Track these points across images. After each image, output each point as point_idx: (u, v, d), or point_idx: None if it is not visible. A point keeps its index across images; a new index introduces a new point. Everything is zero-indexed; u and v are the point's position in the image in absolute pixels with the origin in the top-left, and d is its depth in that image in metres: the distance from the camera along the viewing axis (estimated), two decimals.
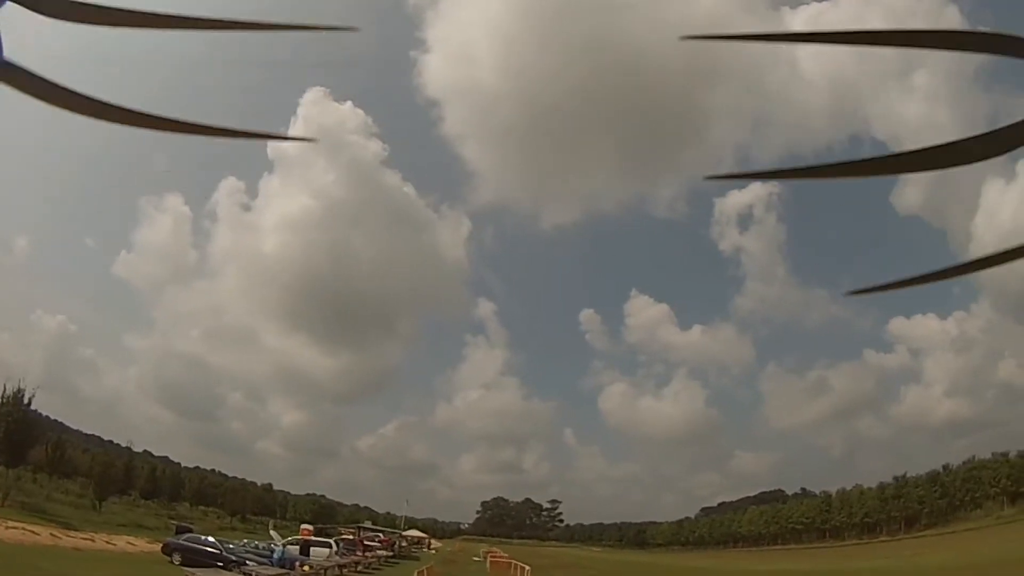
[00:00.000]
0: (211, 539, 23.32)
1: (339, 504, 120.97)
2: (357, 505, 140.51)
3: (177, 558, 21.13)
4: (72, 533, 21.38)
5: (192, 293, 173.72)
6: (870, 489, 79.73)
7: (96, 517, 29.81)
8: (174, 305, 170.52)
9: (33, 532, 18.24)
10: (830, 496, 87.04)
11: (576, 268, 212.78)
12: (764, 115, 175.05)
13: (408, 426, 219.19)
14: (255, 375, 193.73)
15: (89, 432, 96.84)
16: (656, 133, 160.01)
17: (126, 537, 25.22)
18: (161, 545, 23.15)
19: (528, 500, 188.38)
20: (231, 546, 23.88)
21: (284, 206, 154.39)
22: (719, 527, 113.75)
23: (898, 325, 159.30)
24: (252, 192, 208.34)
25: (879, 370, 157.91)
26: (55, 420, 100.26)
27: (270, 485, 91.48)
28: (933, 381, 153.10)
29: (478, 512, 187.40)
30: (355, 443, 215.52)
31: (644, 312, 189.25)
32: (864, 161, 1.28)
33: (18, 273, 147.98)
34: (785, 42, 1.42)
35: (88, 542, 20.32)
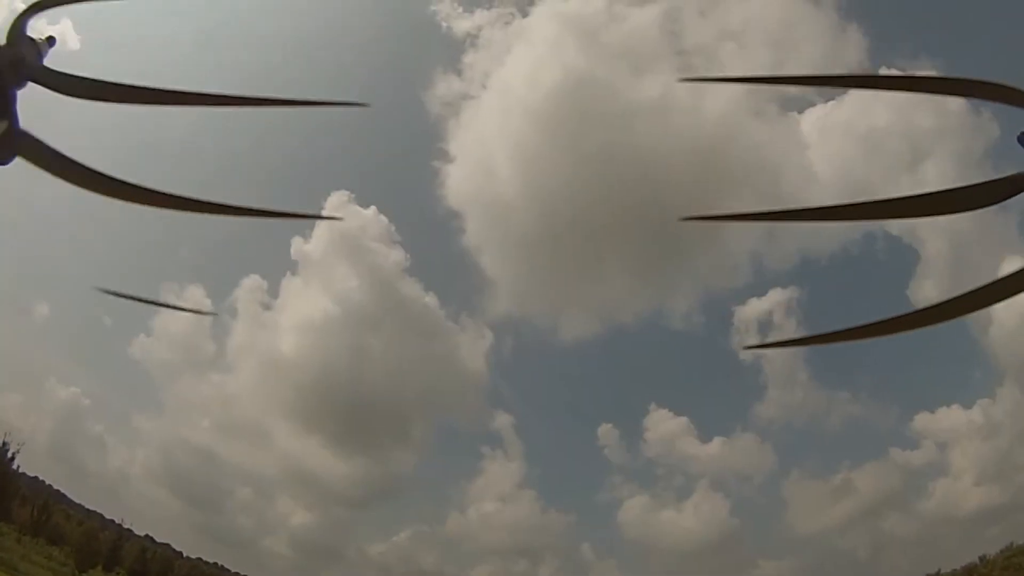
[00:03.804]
0: None
1: None
2: None
3: None
4: None
5: (206, 384, 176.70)
6: None
7: None
8: (187, 393, 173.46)
9: None
10: None
11: (594, 381, 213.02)
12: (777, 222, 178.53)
13: (419, 536, 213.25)
14: (265, 472, 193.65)
15: (91, 508, 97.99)
16: (671, 242, 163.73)
17: None
18: None
19: None
20: None
21: (304, 308, 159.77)
22: None
23: (923, 420, 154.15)
24: (273, 292, 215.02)
25: (905, 467, 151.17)
26: (56, 489, 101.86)
27: None
28: (961, 472, 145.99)
29: None
30: (364, 548, 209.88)
31: (663, 425, 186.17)
32: (854, 205, 1.30)
33: (36, 339, 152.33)
34: (782, 84, 1.59)
35: None
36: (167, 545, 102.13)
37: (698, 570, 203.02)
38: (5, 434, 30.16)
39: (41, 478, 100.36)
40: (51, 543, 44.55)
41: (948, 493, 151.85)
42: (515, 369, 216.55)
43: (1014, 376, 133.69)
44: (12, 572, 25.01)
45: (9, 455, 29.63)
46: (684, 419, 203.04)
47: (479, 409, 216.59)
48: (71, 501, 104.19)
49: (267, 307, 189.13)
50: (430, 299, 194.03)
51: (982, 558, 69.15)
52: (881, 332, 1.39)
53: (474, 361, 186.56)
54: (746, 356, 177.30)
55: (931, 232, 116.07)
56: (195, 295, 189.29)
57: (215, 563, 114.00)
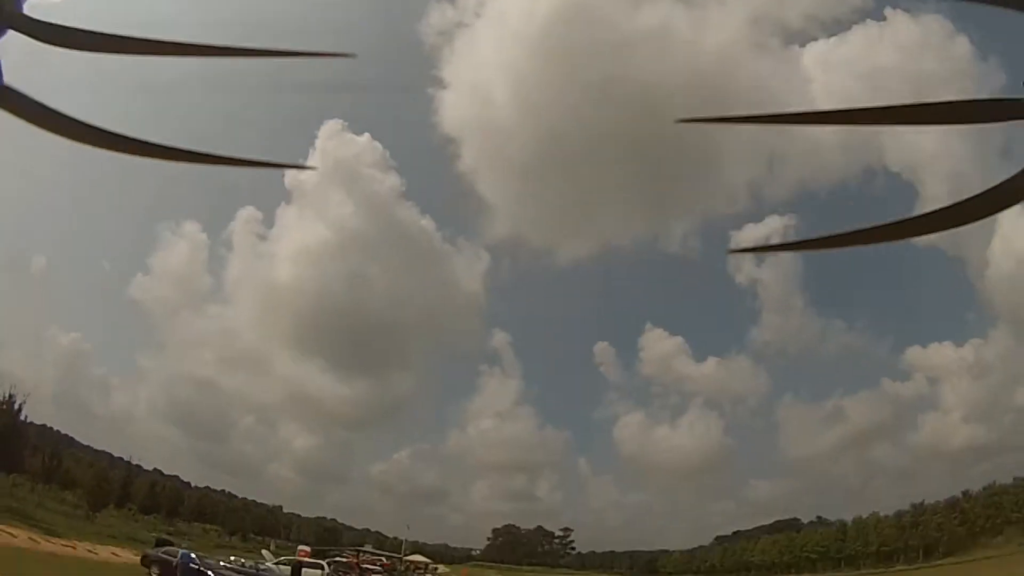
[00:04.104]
0: (192, 554, 23.12)
1: (348, 528, 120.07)
2: (367, 529, 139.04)
3: (155, 570, 21.00)
4: (53, 539, 21.06)
5: (205, 318, 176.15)
6: (887, 517, 78.64)
7: (87, 527, 29.72)
8: (187, 328, 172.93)
9: (10, 534, 18.01)
10: (846, 525, 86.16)
11: (590, 301, 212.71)
12: (778, 151, 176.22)
13: (420, 453, 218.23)
14: (267, 399, 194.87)
15: (99, 448, 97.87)
16: (670, 169, 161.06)
17: (111, 548, 24.98)
18: (140, 557, 23.04)
19: (540, 528, 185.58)
20: (210, 562, 23.72)
21: (300, 236, 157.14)
22: (732, 556, 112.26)
23: (915, 354, 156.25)
24: (269, 222, 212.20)
25: (896, 399, 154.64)
26: (65, 434, 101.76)
27: (279, 507, 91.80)
28: (951, 408, 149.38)
29: (489, 539, 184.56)
30: (366, 468, 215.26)
31: (658, 345, 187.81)
32: (880, 227, 1.31)
33: (35, 291, 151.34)
34: (782, 123, 1.50)
35: (68, 549, 20.03)
36: (175, 477, 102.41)
37: (692, 487, 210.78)
38: (10, 387, 28.87)
39: (49, 425, 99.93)
40: (64, 488, 43.48)
41: (937, 428, 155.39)
42: (512, 290, 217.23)
43: (1007, 321, 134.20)
44: (29, 521, 23.73)
45: (16, 407, 28.36)
46: (679, 339, 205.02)
47: (477, 329, 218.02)
48: (80, 444, 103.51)
49: (263, 238, 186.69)
50: (426, 223, 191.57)
51: (965, 493, 71.20)
52: (872, 239, 1.38)
53: (471, 283, 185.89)
54: (741, 280, 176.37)
55: (931, 172, 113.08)
56: (191, 231, 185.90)
57: (223, 490, 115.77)
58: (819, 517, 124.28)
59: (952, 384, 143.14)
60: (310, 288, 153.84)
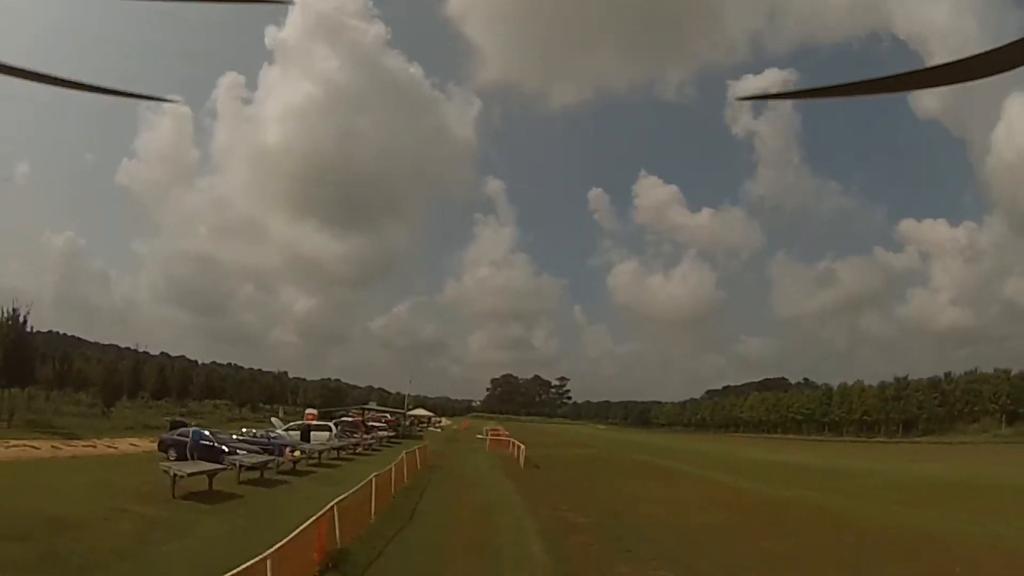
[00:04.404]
0: (204, 432, 24.25)
1: (352, 387, 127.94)
2: (371, 387, 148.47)
3: (172, 453, 22.19)
4: (74, 442, 22.94)
5: (196, 193, 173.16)
6: (871, 387, 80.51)
7: (104, 423, 31.74)
8: (179, 206, 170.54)
9: (33, 447, 19.64)
10: (831, 390, 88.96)
11: (584, 147, 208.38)
12: (781, 3, 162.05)
13: (418, 306, 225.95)
14: (264, 265, 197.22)
15: (106, 343, 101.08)
16: (667, 14, 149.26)
17: (129, 439, 27.16)
18: (157, 443, 24.28)
19: (537, 377, 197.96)
20: (223, 436, 24.91)
21: (286, 96, 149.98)
22: (721, 411, 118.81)
23: (909, 227, 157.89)
24: (252, 85, 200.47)
25: (887, 269, 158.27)
26: (73, 336, 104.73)
27: (285, 373, 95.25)
28: (940, 287, 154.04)
29: (488, 389, 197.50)
30: (367, 325, 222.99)
31: (653, 193, 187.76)
32: (886, 79, 1.23)
33: (22, 200, 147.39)
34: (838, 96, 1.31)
35: (89, 449, 21.94)
36: (182, 357, 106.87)
37: (684, 338, 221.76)
38: (12, 301, 29.15)
39: (55, 330, 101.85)
40: (77, 390, 45.18)
41: (925, 304, 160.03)
42: (505, 136, 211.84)
43: (1004, 210, 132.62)
44: (48, 430, 25.34)
45: (21, 320, 28.82)
46: (674, 188, 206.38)
47: (470, 177, 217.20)
48: (87, 342, 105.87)
49: (247, 102, 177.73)
50: (415, 70, 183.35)
51: (947, 375, 72.86)
52: (878, 90, 1.24)
53: (463, 129, 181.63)
54: (738, 132, 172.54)
55: (939, 44, 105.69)
56: (172, 106, 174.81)
57: (229, 363, 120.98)
58: (806, 379, 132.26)
59: (943, 264, 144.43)
60: (299, 148, 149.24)
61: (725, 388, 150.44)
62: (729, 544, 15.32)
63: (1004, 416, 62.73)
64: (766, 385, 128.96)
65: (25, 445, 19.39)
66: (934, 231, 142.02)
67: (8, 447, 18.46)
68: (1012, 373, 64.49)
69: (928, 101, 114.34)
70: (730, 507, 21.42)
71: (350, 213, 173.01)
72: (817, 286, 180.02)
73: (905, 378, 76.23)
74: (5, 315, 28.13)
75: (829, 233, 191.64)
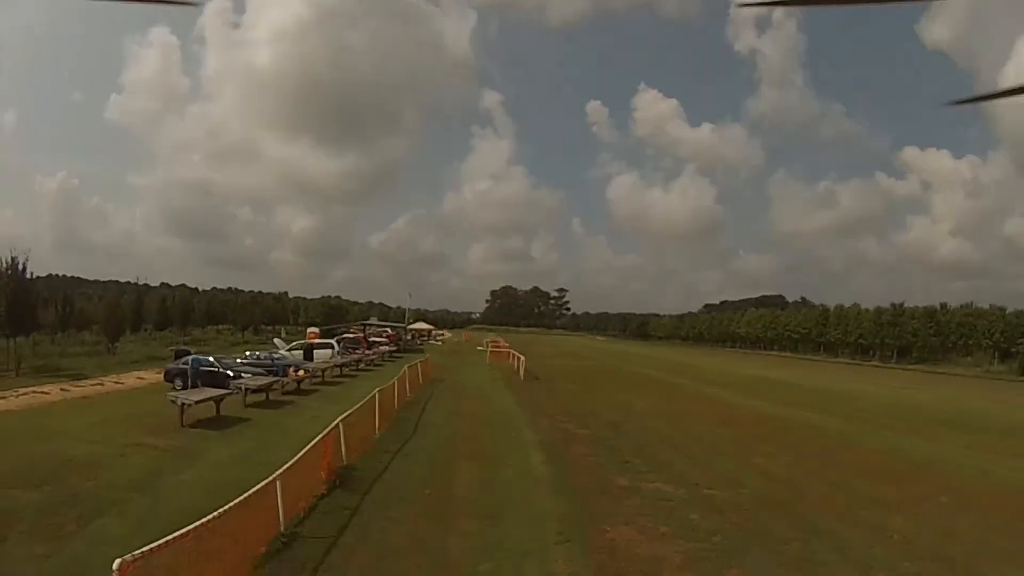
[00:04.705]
0: (209, 358, 24.68)
1: (352, 303, 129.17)
2: (371, 302, 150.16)
3: (178, 382, 22.57)
4: (82, 382, 23.33)
5: (189, 120, 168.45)
6: (867, 310, 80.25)
7: (110, 360, 31.98)
8: (172, 135, 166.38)
9: (43, 393, 19.91)
10: (828, 311, 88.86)
11: (583, 60, 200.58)
12: None
13: (417, 220, 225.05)
14: (261, 188, 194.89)
15: (106, 280, 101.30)
16: None
17: (135, 373, 27.74)
18: (163, 373, 24.71)
19: (536, 289, 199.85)
20: (228, 361, 25.30)
21: (275, 17, 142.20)
22: (718, 325, 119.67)
23: (911, 155, 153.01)
24: (240, 8, 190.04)
25: (888, 194, 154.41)
26: (73, 277, 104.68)
27: (285, 293, 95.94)
28: (940, 217, 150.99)
29: (487, 301, 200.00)
30: (365, 241, 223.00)
31: (653, 106, 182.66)
32: None
33: (11, 147, 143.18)
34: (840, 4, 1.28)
35: (97, 387, 22.42)
36: (182, 286, 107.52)
37: (683, 252, 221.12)
38: (11, 250, 28.76)
39: (55, 273, 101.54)
40: (80, 330, 45.77)
41: (924, 233, 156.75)
42: (502, 49, 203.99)
43: (1009, 148, 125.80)
44: (56, 374, 25.60)
45: (21, 268, 28.56)
46: (674, 102, 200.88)
47: (467, 90, 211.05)
48: (88, 281, 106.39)
49: (236, 26, 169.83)
50: None
51: (943, 306, 72.36)
52: None
53: (459, 43, 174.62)
54: (741, 49, 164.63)
55: None
56: (159, 34, 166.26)
57: (229, 288, 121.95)
58: (803, 298, 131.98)
59: (945, 195, 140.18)
60: (291, 67, 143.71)
61: (723, 303, 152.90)
62: (724, 459, 16.00)
63: (997, 353, 63.05)
64: (763, 302, 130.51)
65: (34, 392, 19.75)
66: (937, 161, 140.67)
67: (19, 395, 18.81)
68: (1008, 311, 64.35)
69: (937, 31, 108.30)
70: (726, 422, 22.14)
71: (346, 130, 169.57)
72: (817, 206, 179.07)
73: (901, 305, 76.36)
74: (5, 265, 27.88)
75: (831, 155, 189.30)
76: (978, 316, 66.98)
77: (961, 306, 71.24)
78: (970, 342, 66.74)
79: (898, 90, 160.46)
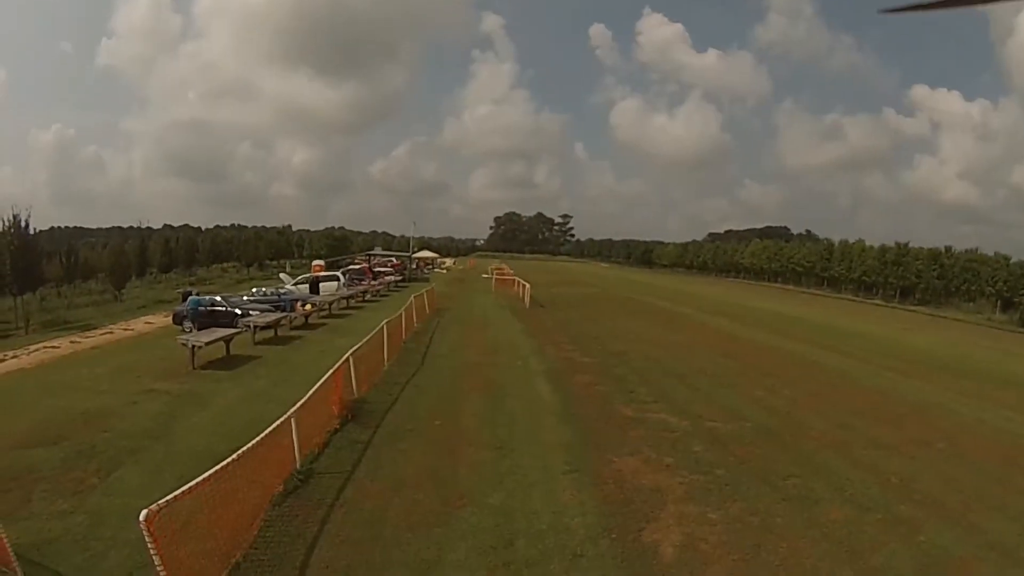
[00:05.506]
0: (216, 298, 24.63)
1: (356, 234, 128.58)
2: (375, 232, 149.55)
3: (187, 324, 22.67)
4: (91, 333, 23.37)
5: (183, 59, 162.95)
6: (872, 247, 78.34)
7: (117, 307, 32.13)
8: (166, 76, 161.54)
9: (53, 347, 19.95)
10: (832, 245, 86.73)
11: None
12: None
13: (418, 147, 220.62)
14: (260, 123, 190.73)
15: (109, 227, 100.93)
16: None
17: (143, 318, 27.81)
18: (171, 316, 24.76)
19: (540, 215, 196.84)
20: (234, 299, 25.22)
21: None
22: (723, 255, 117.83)
23: (921, 93, 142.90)
24: None
25: (896, 131, 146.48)
26: (75, 228, 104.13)
27: (289, 227, 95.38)
28: (948, 159, 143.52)
29: (491, 228, 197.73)
30: (367, 171, 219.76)
31: (657, 31, 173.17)
32: None
33: (3, 104, 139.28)
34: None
35: (107, 336, 22.49)
36: (185, 226, 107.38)
37: (688, 179, 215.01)
38: (12, 207, 28.43)
39: (56, 225, 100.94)
40: (85, 280, 45.61)
41: (931, 174, 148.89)
42: None
43: (1022, 96, 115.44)
44: (65, 327, 25.48)
45: (23, 224, 28.27)
46: (679, 26, 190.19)
47: (466, 13, 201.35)
48: (90, 230, 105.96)
49: None
50: None
51: (948, 249, 69.81)
52: None
53: None
54: None
55: None
56: None
57: (232, 225, 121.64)
58: (808, 231, 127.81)
59: (954, 137, 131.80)
60: None
61: (727, 232, 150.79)
62: (727, 391, 16.07)
63: (1000, 301, 62.06)
64: (768, 233, 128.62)
65: (45, 347, 19.87)
66: (947, 102, 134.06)
67: (30, 353, 18.93)
68: (1012, 261, 62.75)
69: None
70: (729, 354, 22.14)
71: (342, 57, 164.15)
72: (824, 139, 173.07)
73: (906, 244, 74.86)
74: (6, 224, 27.73)
75: (839, 88, 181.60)
76: (982, 262, 65.87)
77: (966, 251, 70.09)
78: (973, 288, 65.87)
79: (910, 26, 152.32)
